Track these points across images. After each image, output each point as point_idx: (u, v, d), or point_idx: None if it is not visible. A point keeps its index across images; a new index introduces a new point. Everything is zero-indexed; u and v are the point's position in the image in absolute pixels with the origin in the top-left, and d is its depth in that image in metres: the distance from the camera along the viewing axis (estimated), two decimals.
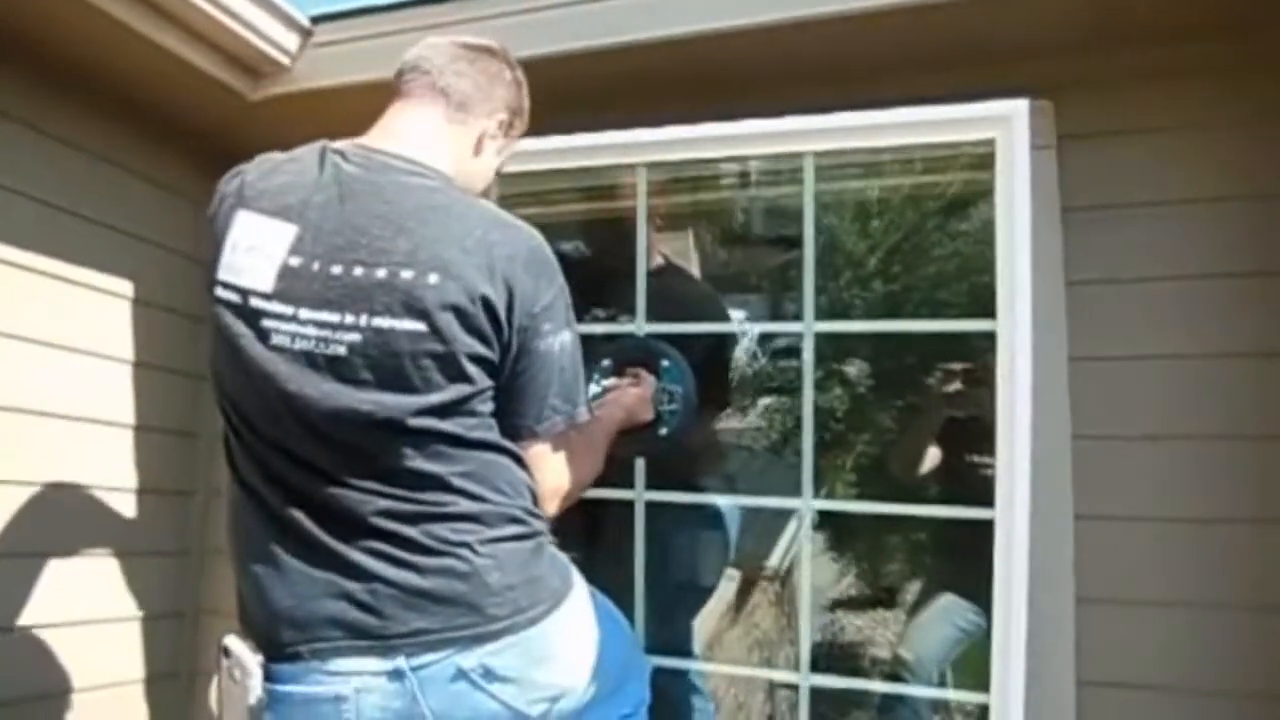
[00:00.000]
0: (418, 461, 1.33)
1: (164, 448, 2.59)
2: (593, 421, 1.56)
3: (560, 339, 1.42)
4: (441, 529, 1.33)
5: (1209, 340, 1.99)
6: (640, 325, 2.25)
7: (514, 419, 1.42)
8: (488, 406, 1.39)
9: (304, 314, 1.31)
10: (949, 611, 2.81)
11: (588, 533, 2.34)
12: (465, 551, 1.33)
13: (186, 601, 2.63)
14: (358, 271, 1.31)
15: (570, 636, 1.44)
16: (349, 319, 1.30)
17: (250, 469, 1.38)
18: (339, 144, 1.44)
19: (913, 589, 3.62)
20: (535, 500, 1.45)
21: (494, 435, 1.40)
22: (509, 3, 2.18)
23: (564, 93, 1.74)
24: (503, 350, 1.37)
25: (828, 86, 2.17)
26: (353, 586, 1.31)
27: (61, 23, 2.10)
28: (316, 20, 2.35)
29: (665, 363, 2.08)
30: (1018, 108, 1.93)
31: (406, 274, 1.30)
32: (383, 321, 1.29)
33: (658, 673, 2.02)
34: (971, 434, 2.55)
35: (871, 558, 4.28)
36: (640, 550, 2.21)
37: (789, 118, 2.10)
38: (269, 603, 1.34)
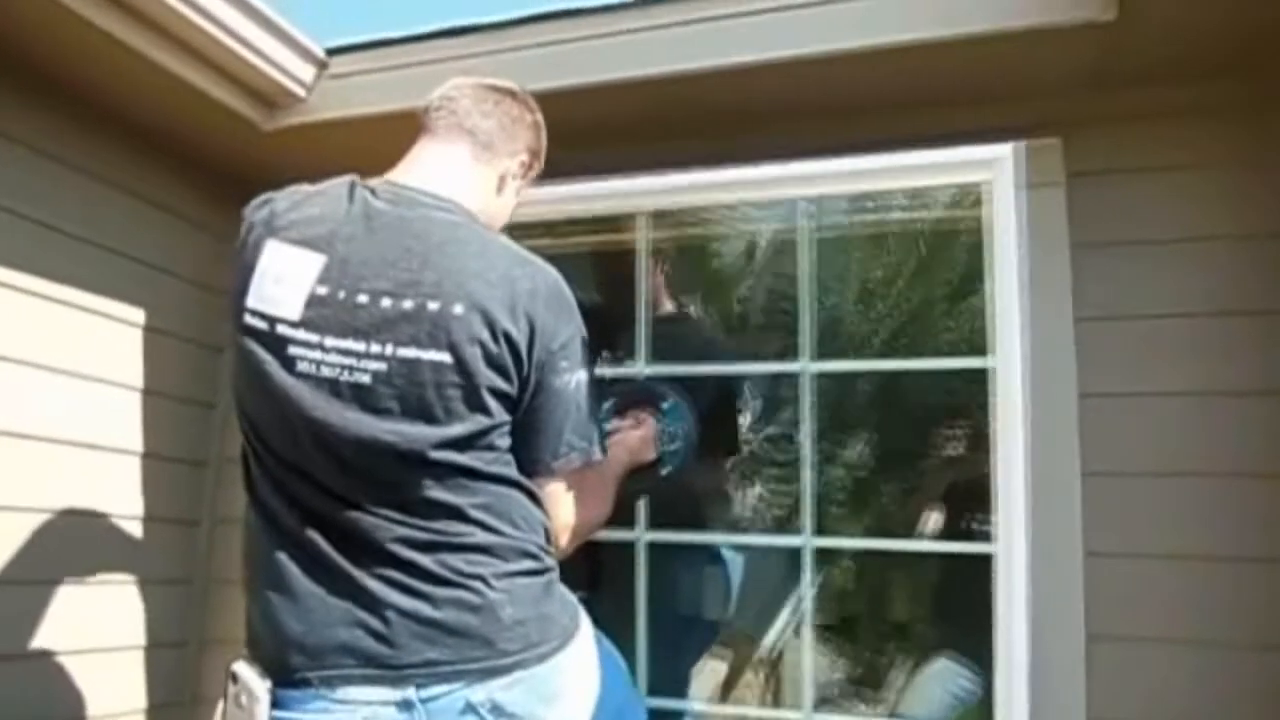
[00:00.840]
0: (436, 492, 1.34)
1: (171, 476, 2.59)
2: (601, 463, 1.59)
3: (577, 377, 1.44)
4: (456, 560, 1.34)
5: (1221, 376, 1.99)
6: (642, 368, 2.33)
7: (531, 454, 1.44)
8: (505, 441, 1.41)
9: (329, 342, 1.33)
10: (945, 676, 2.80)
11: (589, 573, 2.37)
12: (478, 584, 1.34)
13: (191, 630, 2.62)
14: (385, 302, 1.33)
15: (577, 676, 1.44)
16: (374, 348, 1.32)
17: (269, 492, 1.39)
18: (369, 180, 1.47)
19: (911, 652, 3.60)
20: (548, 537, 1.46)
21: (511, 470, 1.42)
22: (521, 37, 2.22)
23: (574, 127, 1.77)
24: (521, 385, 1.38)
25: (834, 123, 2.21)
26: (365, 614, 1.31)
27: (80, 53, 2.13)
28: (332, 52, 2.38)
29: (666, 404, 2.12)
30: (1006, 151, 2.00)
31: (433, 305, 1.33)
32: (408, 352, 1.32)
33: (656, 715, 2.03)
34: (972, 495, 2.57)
35: (870, 625, 4.23)
36: (642, 590, 2.25)
37: (784, 164, 2.17)
38: (280, 627, 1.34)
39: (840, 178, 2.17)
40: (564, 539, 1.51)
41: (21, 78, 2.19)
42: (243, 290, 1.38)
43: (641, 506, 2.28)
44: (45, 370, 2.27)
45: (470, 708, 1.32)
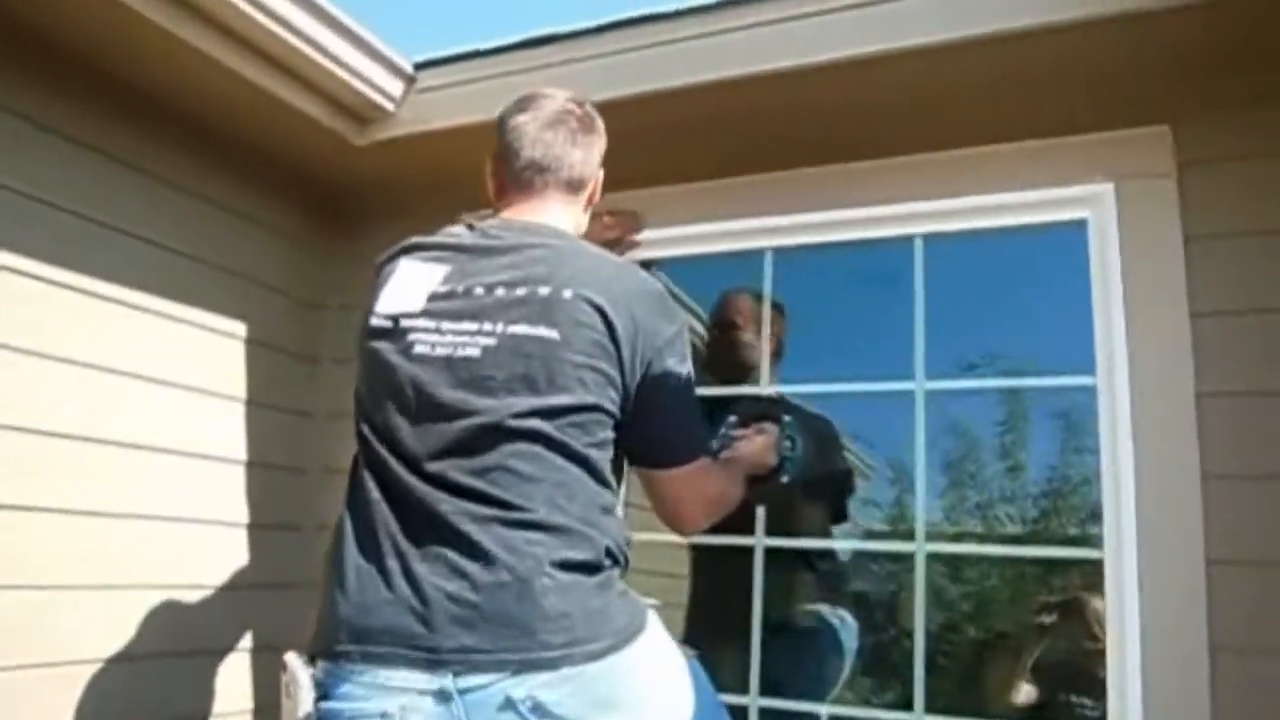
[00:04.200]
0: (516, 460, 1.38)
1: (274, 483, 2.68)
2: (729, 462, 1.71)
3: (685, 373, 1.54)
4: (514, 535, 1.34)
5: None
6: (763, 385, 2.46)
7: (652, 448, 1.55)
8: (602, 430, 1.45)
9: (446, 325, 1.47)
10: None
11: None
12: (528, 566, 1.32)
13: (295, 634, 2.67)
14: (500, 291, 1.47)
15: (639, 682, 1.39)
16: (487, 326, 1.45)
17: (362, 480, 1.46)
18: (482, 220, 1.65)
19: None
20: (621, 545, 1.45)
21: (597, 458, 1.45)
22: (608, 43, 2.22)
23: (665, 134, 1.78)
24: (626, 375, 1.47)
25: (936, 122, 2.18)
26: (410, 594, 1.33)
27: (182, 77, 2.22)
28: (420, 66, 2.42)
29: (787, 418, 2.22)
30: (1106, 191, 2.07)
31: (544, 290, 1.46)
32: (518, 328, 1.43)
33: None
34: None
35: None
36: (759, 595, 2.29)
37: (899, 205, 2.28)
38: (334, 606, 1.39)
39: (951, 215, 2.26)
40: (698, 511, 1.63)
41: (133, 103, 2.29)
42: (370, 307, 1.55)
43: (760, 513, 2.35)
44: (155, 383, 2.37)
45: (510, 704, 1.28)
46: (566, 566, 1.35)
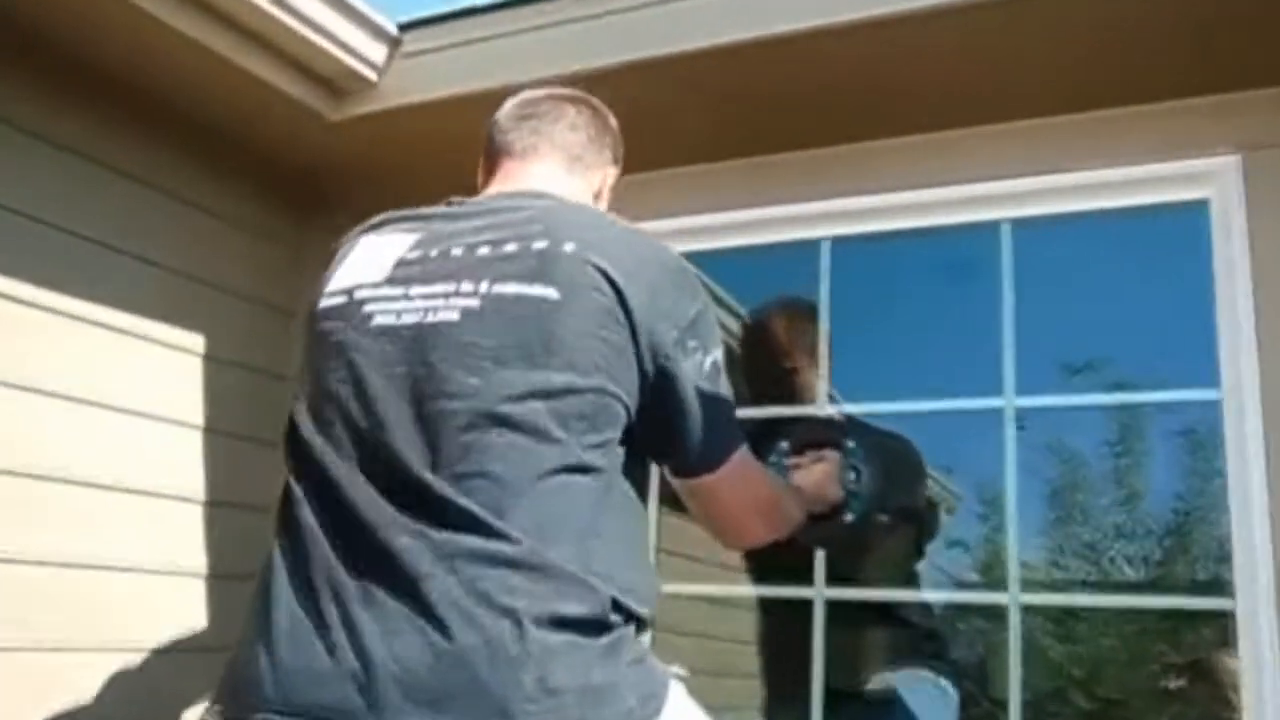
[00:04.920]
0: (499, 466, 1.28)
1: (238, 525, 2.66)
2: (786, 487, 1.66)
3: (712, 358, 1.48)
4: (488, 578, 1.22)
5: None
6: (822, 404, 2.41)
7: (688, 446, 1.48)
8: (614, 427, 1.37)
9: (416, 290, 1.40)
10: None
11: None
12: (504, 625, 1.20)
13: None
14: (484, 250, 1.41)
15: None
16: (467, 286, 1.37)
17: (296, 503, 1.37)
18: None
19: None
20: (639, 595, 1.35)
21: (608, 466, 1.36)
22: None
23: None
24: (640, 357, 1.39)
25: (1023, 85, 2.16)
26: (349, 654, 1.22)
27: (119, 39, 2.22)
28: (405, 27, 2.43)
29: (850, 443, 2.18)
30: (1231, 164, 2.05)
31: (540, 243, 1.39)
32: (507, 288, 1.36)
33: None
34: None
35: None
36: (819, 654, 2.27)
37: (981, 184, 2.25)
38: (256, 661, 1.29)
39: (1044, 196, 2.25)
40: (752, 523, 1.63)
41: (56, 69, 2.29)
42: (318, 292, 1.51)
43: (820, 558, 2.33)
44: (88, 405, 2.36)
45: None
46: (558, 624, 1.23)
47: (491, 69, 1.79)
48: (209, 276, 2.65)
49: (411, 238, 1.49)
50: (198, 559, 2.59)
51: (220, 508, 2.64)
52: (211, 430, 2.63)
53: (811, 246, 2.47)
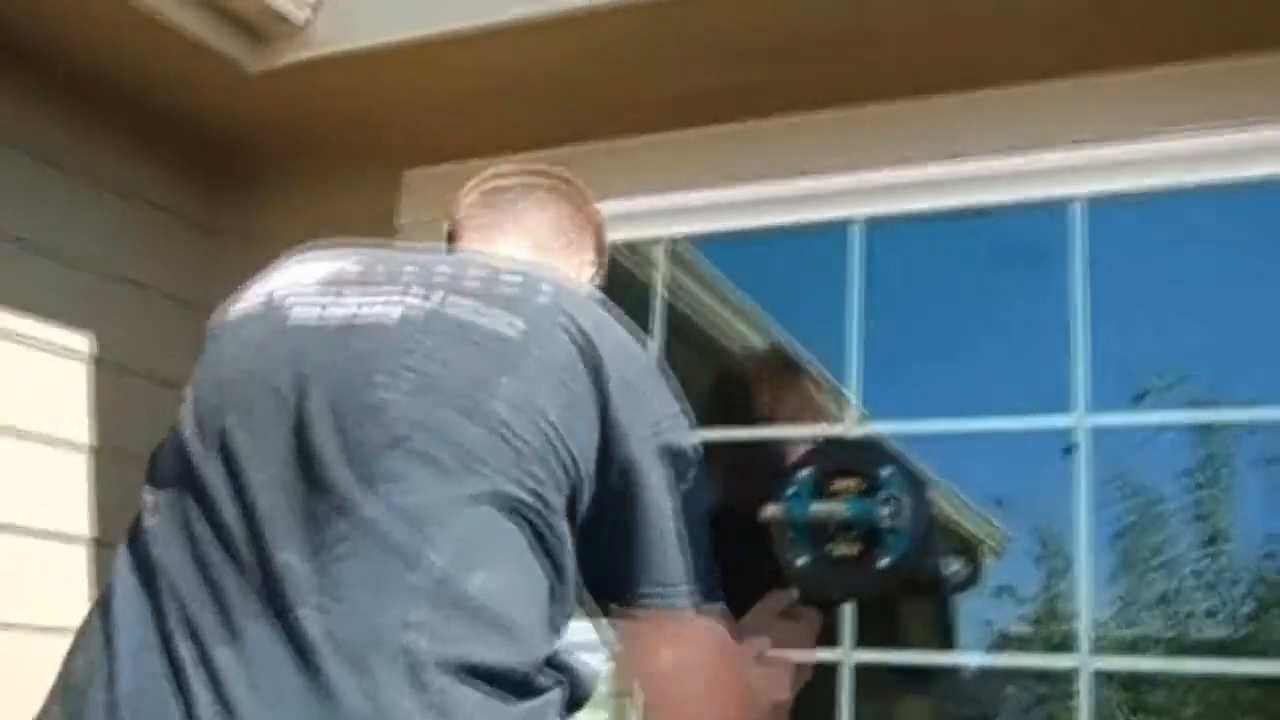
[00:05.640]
0: (417, 475, 1.27)
1: None
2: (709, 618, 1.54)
3: (677, 479, 1.47)
4: (382, 611, 1.20)
5: None
6: (850, 424, 2.39)
7: (611, 575, 1.44)
8: (558, 496, 1.34)
9: (349, 292, 1.44)
10: None
11: None
12: (395, 676, 1.16)
13: None
14: (442, 270, 1.46)
15: None
16: (415, 294, 1.41)
17: (155, 528, 1.37)
18: None
19: None
20: (574, 657, 1.37)
21: (550, 529, 1.33)
22: None
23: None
24: (606, 429, 1.39)
25: (1091, 30, 2.13)
26: (207, 712, 1.18)
27: None
28: None
29: (886, 471, 2.14)
30: None
31: (510, 280, 1.44)
32: (461, 310, 1.38)
33: None
34: None
35: None
36: None
37: (1048, 152, 2.22)
38: (90, 712, 1.26)
39: (1130, 168, 2.21)
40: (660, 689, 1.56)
41: None
42: (225, 308, 1.54)
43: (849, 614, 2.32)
44: None
45: None
46: (477, 674, 1.20)
47: (446, 11, 1.75)
48: (97, 262, 2.62)
49: (355, 256, 1.54)
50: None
51: (114, 549, 2.56)
52: (102, 452, 2.59)
53: (839, 230, 2.44)
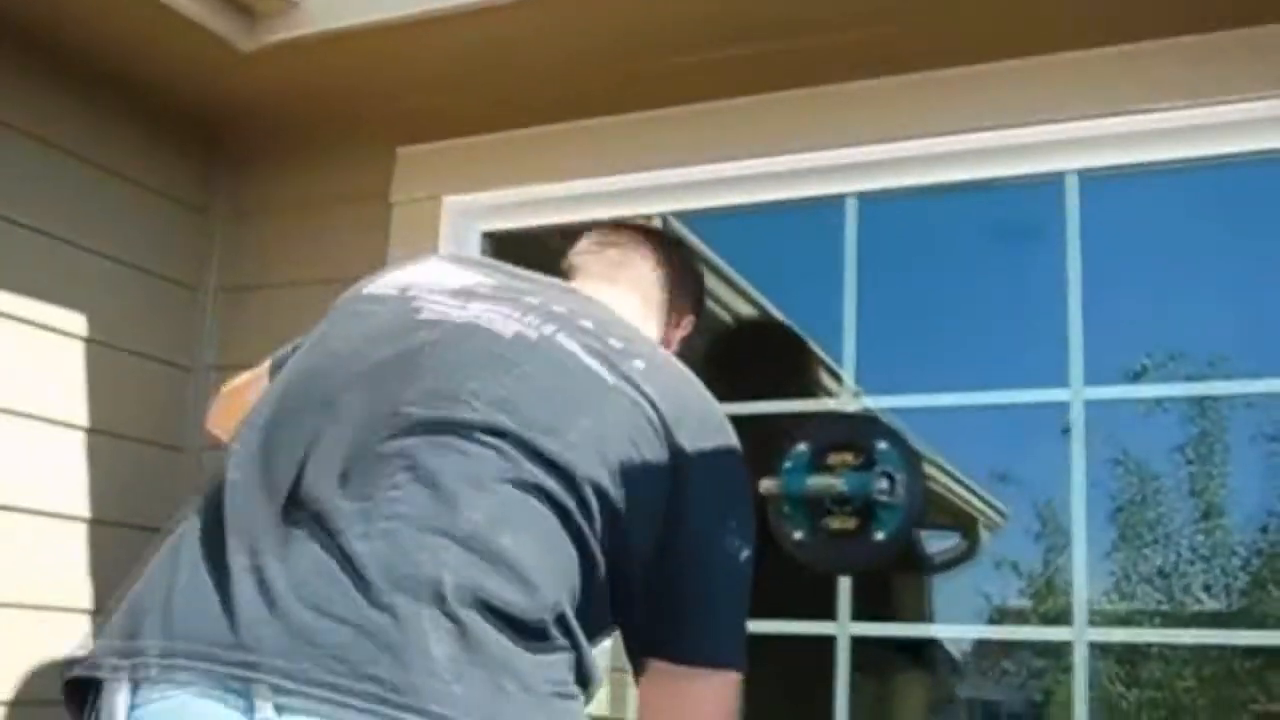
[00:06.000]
0: (466, 458, 1.38)
1: (130, 549, 2.60)
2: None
3: (745, 552, 1.54)
4: (421, 545, 1.31)
5: None
6: (846, 399, 2.42)
7: (690, 626, 1.50)
8: (596, 519, 1.41)
9: (475, 303, 1.55)
10: None
11: None
12: (422, 597, 1.27)
13: None
14: (558, 308, 1.57)
15: None
16: (532, 320, 1.53)
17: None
18: None
19: None
20: (583, 630, 1.41)
21: (596, 553, 1.41)
22: None
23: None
24: (669, 508, 1.47)
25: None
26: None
27: None
28: None
29: (882, 445, 2.22)
30: None
31: (615, 340, 1.55)
32: (568, 343, 1.51)
33: None
34: None
35: None
36: (844, 700, 2.29)
37: (1042, 126, 2.23)
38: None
39: (1126, 141, 2.22)
40: None
41: None
42: (362, 282, 1.67)
43: (844, 587, 2.33)
44: None
45: None
46: (484, 607, 1.29)
47: None
48: (92, 243, 2.61)
49: (485, 274, 1.67)
50: (82, 595, 2.54)
51: (110, 528, 2.60)
52: (97, 432, 2.59)
53: (833, 205, 2.45)
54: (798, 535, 2.33)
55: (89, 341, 2.59)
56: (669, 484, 1.48)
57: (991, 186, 2.38)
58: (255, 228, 2.83)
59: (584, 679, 1.41)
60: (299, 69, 2.50)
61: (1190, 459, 4.56)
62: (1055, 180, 2.28)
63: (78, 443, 2.56)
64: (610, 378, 1.49)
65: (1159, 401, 3.99)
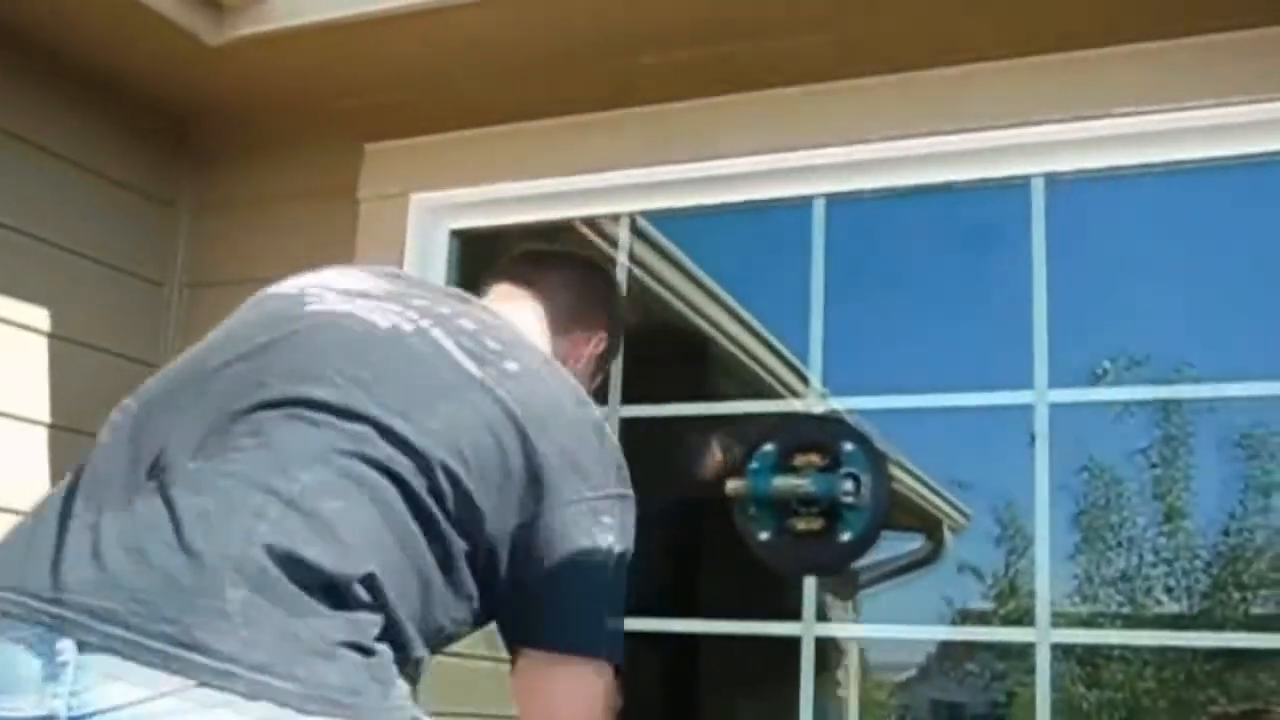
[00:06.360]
0: (315, 429, 1.44)
1: None
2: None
3: (625, 545, 1.57)
4: (246, 500, 1.35)
5: None
6: (813, 400, 2.42)
7: (548, 612, 1.54)
8: (450, 506, 1.45)
9: (359, 300, 1.63)
10: None
11: None
12: (232, 548, 1.31)
13: None
14: (444, 308, 1.65)
15: None
16: (411, 315, 1.60)
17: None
18: None
19: None
20: (414, 607, 1.44)
21: (444, 531, 1.45)
22: None
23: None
24: (527, 501, 1.51)
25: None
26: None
27: None
28: None
29: (848, 446, 2.24)
30: None
31: (492, 343, 1.61)
32: (443, 340, 1.57)
33: None
34: None
35: None
36: (809, 698, 2.29)
37: (1008, 130, 2.23)
38: None
39: (1084, 147, 2.23)
40: None
41: None
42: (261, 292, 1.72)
43: (810, 588, 2.33)
44: None
45: None
46: (290, 562, 1.32)
47: None
48: (55, 236, 2.59)
49: (389, 283, 1.73)
50: None
51: None
52: (59, 429, 2.57)
53: (801, 206, 2.46)
54: (764, 536, 2.33)
55: (51, 337, 2.57)
56: (528, 478, 1.52)
57: (958, 190, 2.38)
58: (222, 223, 2.81)
59: (400, 644, 1.42)
60: (267, 64, 2.49)
61: (1154, 463, 4.62)
62: (1021, 184, 2.29)
63: (41, 440, 2.55)
64: (479, 373, 1.55)
65: (1125, 406, 4.03)
